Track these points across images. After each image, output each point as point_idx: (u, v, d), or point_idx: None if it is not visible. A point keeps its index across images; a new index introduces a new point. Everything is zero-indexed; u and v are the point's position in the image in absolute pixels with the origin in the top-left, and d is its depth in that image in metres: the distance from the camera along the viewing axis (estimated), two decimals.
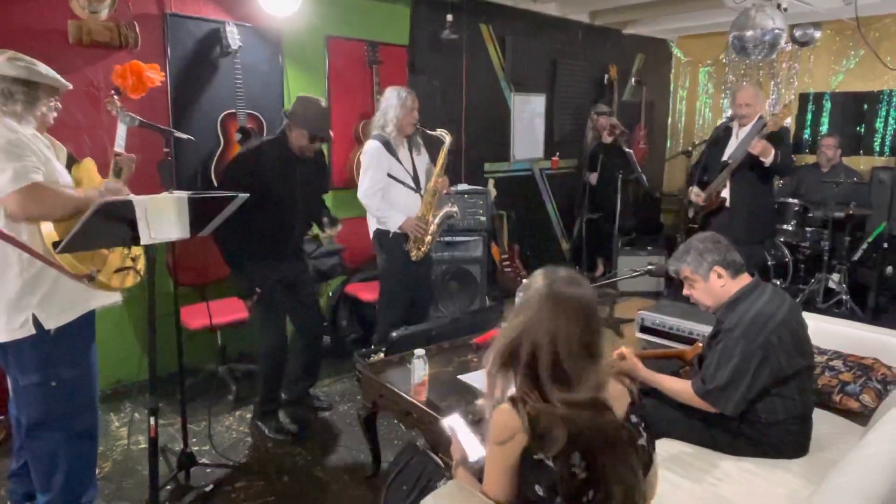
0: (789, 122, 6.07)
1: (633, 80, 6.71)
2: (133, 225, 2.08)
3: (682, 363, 2.57)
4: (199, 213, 2.29)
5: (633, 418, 1.46)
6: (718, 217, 4.06)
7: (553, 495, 1.35)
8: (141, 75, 3.31)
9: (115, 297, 2.33)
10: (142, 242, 2.12)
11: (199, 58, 3.77)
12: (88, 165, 2.35)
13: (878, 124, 5.95)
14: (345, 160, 4.45)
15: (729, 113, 4.15)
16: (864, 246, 5.27)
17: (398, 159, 3.42)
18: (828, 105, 6.22)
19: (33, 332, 2.07)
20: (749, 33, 4.23)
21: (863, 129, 6.05)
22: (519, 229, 5.69)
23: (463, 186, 4.78)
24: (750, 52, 4.31)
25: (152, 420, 2.33)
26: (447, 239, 4.44)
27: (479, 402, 2.27)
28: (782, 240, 5.20)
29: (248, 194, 2.44)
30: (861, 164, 5.96)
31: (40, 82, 2.10)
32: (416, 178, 3.50)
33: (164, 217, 2.15)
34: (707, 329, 2.56)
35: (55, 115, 2.23)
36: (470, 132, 5.31)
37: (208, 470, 2.84)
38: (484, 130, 5.45)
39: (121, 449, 3.02)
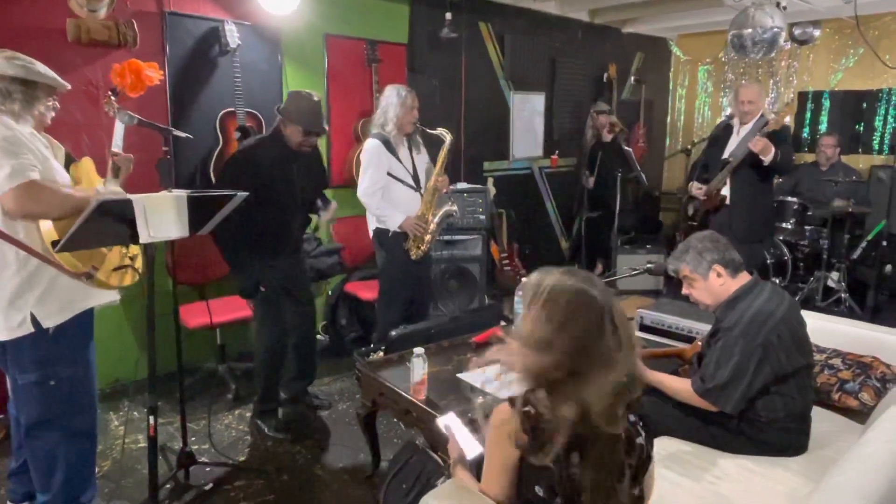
0: (788, 120, 6.07)
1: (632, 78, 6.70)
2: (132, 224, 2.08)
3: (681, 362, 2.58)
4: (199, 211, 2.29)
5: (631, 417, 1.46)
6: (718, 215, 4.06)
7: (553, 496, 1.35)
8: (140, 74, 3.31)
9: (114, 296, 2.33)
10: (141, 241, 2.12)
11: (198, 56, 3.77)
12: (87, 165, 2.35)
13: (878, 123, 5.95)
14: (344, 159, 4.45)
15: (728, 111, 4.14)
16: (863, 244, 5.28)
17: (398, 158, 3.41)
18: (827, 103, 6.22)
19: (32, 330, 2.07)
20: (748, 32, 4.23)
21: (862, 128, 6.05)
22: (518, 228, 5.69)
23: (462, 185, 4.77)
24: (749, 50, 4.31)
25: (151, 419, 2.33)
26: (446, 238, 4.44)
27: (479, 400, 2.28)
28: (781, 238, 5.20)
29: (247, 193, 2.44)
30: (860, 162, 5.96)
31: (38, 81, 2.10)
32: (415, 177, 3.50)
33: (163, 216, 2.15)
34: (706, 327, 2.56)
35: (53, 114, 2.23)
36: (469, 131, 5.31)
37: (208, 469, 2.84)
38: (483, 129, 5.45)
39: (120, 448, 3.02)
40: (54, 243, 2.00)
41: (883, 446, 1.72)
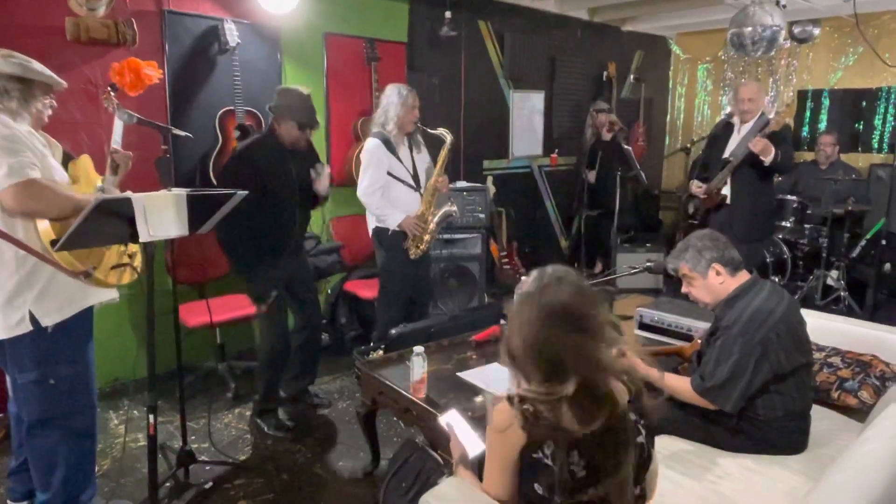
0: (789, 120, 6.07)
1: (631, 77, 6.70)
2: (131, 222, 2.08)
3: (680, 360, 2.58)
4: (198, 210, 2.29)
5: (632, 415, 1.46)
6: (718, 214, 4.06)
7: (552, 494, 1.35)
8: (139, 72, 3.31)
9: (113, 294, 2.33)
10: (140, 240, 2.11)
11: (197, 55, 3.76)
12: (85, 162, 2.35)
13: (877, 121, 5.95)
14: (343, 157, 4.45)
15: (728, 110, 4.13)
16: (863, 243, 5.28)
17: (398, 157, 3.41)
18: (826, 102, 6.21)
19: (30, 328, 2.07)
20: (748, 30, 4.23)
21: (861, 126, 6.04)
22: (518, 226, 5.69)
23: (462, 184, 4.77)
24: (749, 49, 4.31)
25: (151, 417, 2.33)
26: (446, 236, 4.44)
27: (478, 399, 2.28)
28: (781, 237, 5.20)
29: (247, 191, 2.44)
30: (859, 160, 5.96)
31: (35, 79, 2.10)
32: (415, 177, 3.50)
33: (162, 214, 2.15)
34: (705, 326, 2.57)
35: (50, 112, 2.23)
36: (469, 129, 5.31)
37: (207, 467, 2.84)
38: (483, 127, 5.44)
39: (120, 447, 3.02)
40: (53, 242, 2.00)
41: (882, 444, 1.72)
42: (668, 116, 7.51)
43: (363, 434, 2.78)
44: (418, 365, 2.33)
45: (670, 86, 7.44)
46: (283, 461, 2.96)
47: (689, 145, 6.12)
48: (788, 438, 2.18)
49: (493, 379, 2.45)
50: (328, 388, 3.72)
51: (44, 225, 2.04)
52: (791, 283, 5.17)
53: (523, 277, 1.50)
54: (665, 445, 2.19)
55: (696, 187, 4.13)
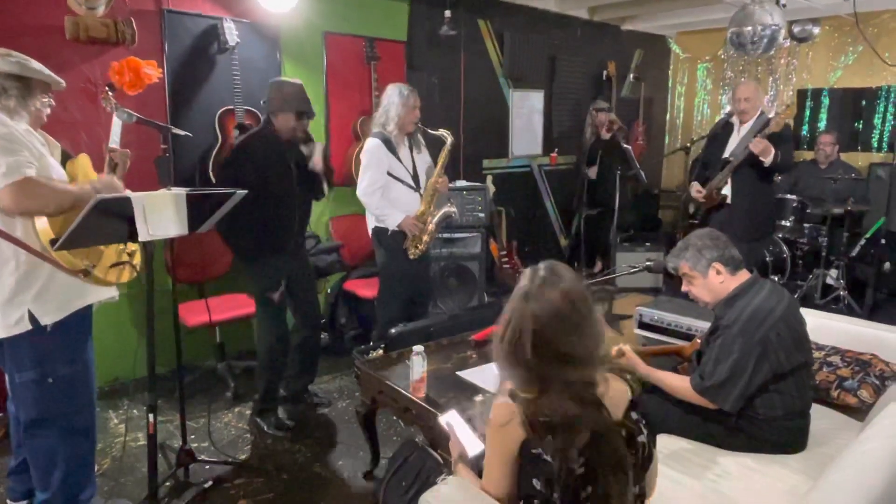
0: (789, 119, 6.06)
1: (631, 76, 6.70)
2: (131, 222, 2.07)
3: (680, 359, 2.58)
4: (198, 209, 2.28)
5: (634, 415, 1.46)
6: (719, 213, 4.06)
7: (551, 490, 1.35)
8: (138, 72, 3.31)
9: (112, 293, 2.33)
10: (140, 239, 2.11)
11: (197, 54, 3.76)
12: (83, 161, 2.34)
13: (877, 120, 5.95)
14: (343, 157, 4.44)
15: (728, 109, 4.14)
16: (862, 242, 5.28)
17: (398, 158, 3.41)
18: (826, 101, 6.22)
19: (29, 327, 2.07)
20: (748, 29, 4.23)
21: (861, 126, 6.05)
22: (517, 226, 5.69)
23: (461, 183, 4.77)
24: (748, 48, 4.31)
25: (151, 417, 2.33)
26: (446, 235, 4.44)
27: (478, 398, 2.28)
28: (780, 236, 5.20)
29: (247, 190, 2.44)
30: (859, 160, 5.96)
31: (34, 78, 2.10)
32: (415, 177, 3.49)
33: (162, 214, 2.15)
34: (705, 325, 2.56)
35: (49, 111, 2.23)
36: (468, 128, 5.31)
37: (207, 467, 2.84)
38: (482, 127, 5.44)
39: (119, 446, 3.02)
40: (53, 241, 2.00)
41: (882, 443, 1.72)
42: (668, 115, 7.51)
43: (363, 433, 2.78)
44: (418, 364, 2.33)
45: (670, 85, 7.44)
46: (283, 460, 2.96)
47: (688, 144, 6.11)
48: (788, 437, 2.18)
49: (493, 378, 2.45)
50: (328, 388, 3.72)
51: (42, 224, 2.04)
52: (791, 282, 5.18)
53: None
54: (665, 444, 2.19)
55: (696, 191, 4.13)
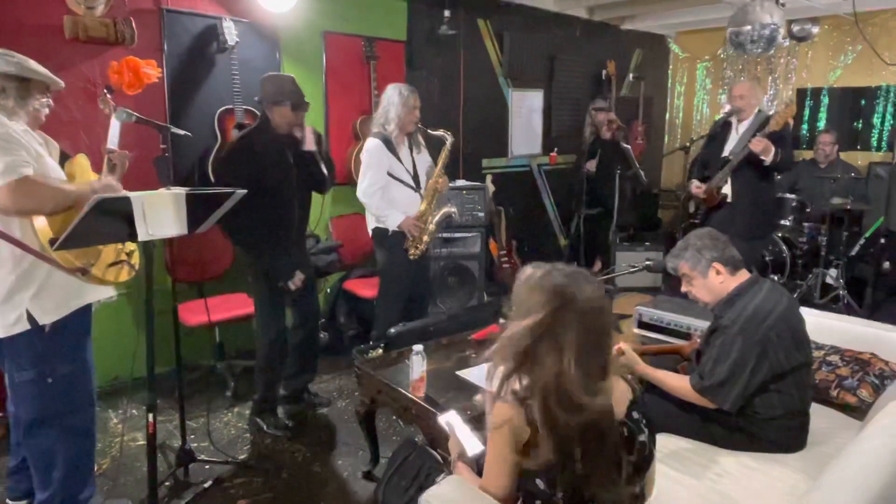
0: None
1: (630, 75, 6.70)
2: (130, 221, 2.07)
3: (679, 359, 2.58)
4: (197, 209, 2.28)
5: (635, 414, 1.46)
6: (720, 212, 4.06)
7: (554, 489, 1.35)
8: (138, 71, 3.31)
9: (110, 292, 2.33)
10: (139, 239, 2.11)
11: (196, 54, 3.76)
12: (81, 161, 2.34)
13: (876, 120, 5.95)
14: (343, 157, 4.44)
15: (727, 108, 4.16)
16: (862, 241, 5.28)
17: (398, 158, 3.41)
18: (825, 100, 6.22)
19: (28, 327, 2.07)
20: (747, 29, 4.23)
21: (860, 125, 6.05)
22: (517, 225, 5.69)
23: (461, 182, 4.77)
24: (748, 47, 4.31)
25: (150, 416, 2.33)
26: (445, 235, 4.43)
27: (478, 397, 2.28)
28: (780, 235, 5.21)
29: (246, 190, 2.44)
30: (858, 159, 5.96)
31: (32, 78, 2.10)
32: (416, 177, 3.49)
33: (161, 213, 2.15)
34: (705, 324, 2.57)
35: (47, 111, 2.23)
36: (468, 128, 5.31)
37: (207, 466, 2.84)
38: (482, 126, 5.44)
39: (119, 446, 3.02)
40: (52, 241, 2.00)
41: (881, 442, 1.72)
42: (668, 115, 7.51)
43: (362, 433, 2.78)
44: (418, 363, 2.33)
45: (669, 84, 7.44)
46: (283, 460, 2.96)
47: (688, 144, 6.11)
48: (788, 437, 2.18)
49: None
50: (327, 387, 3.72)
51: (41, 223, 2.04)
52: (790, 281, 5.18)
53: (527, 269, 1.49)
54: (664, 444, 2.19)
55: (696, 188, 4.13)
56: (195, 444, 2.96)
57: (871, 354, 2.61)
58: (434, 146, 3.55)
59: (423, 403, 2.30)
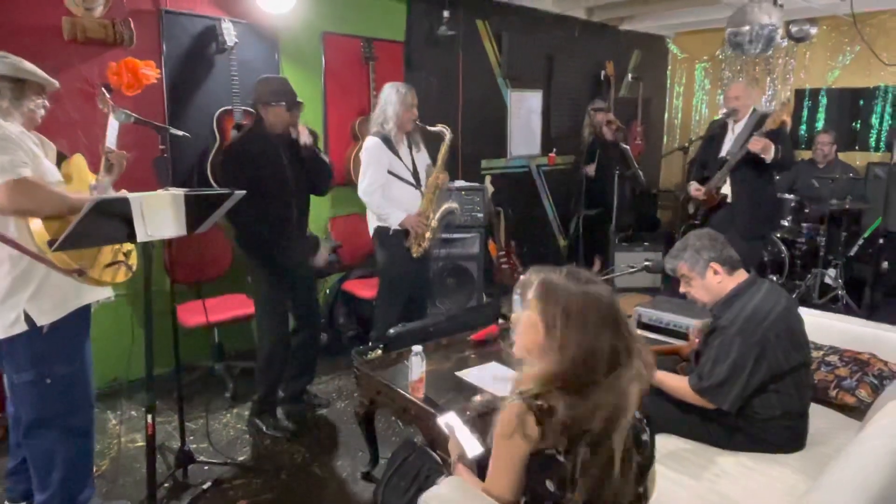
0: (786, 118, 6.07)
1: (629, 76, 6.70)
2: (129, 222, 2.07)
3: (678, 359, 2.58)
4: (196, 210, 2.28)
5: (637, 414, 1.46)
6: (720, 212, 4.06)
7: (564, 491, 1.34)
8: (136, 72, 3.31)
9: (108, 293, 2.33)
10: (138, 240, 2.11)
11: (195, 55, 3.76)
12: (78, 161, 2.34)
13: (874, 120, 5.96)
14: (342, 157, 4.44)
15: (724, 110, 4.17)
16: (860, 241, 5.29)
17: (398, 156, 3.41)
18: (824, 101, 6.23)
19: (25, 328, 2.07)
20: (745, 29, 4.24)
21: (858, 125, 6.06)
22: (516, 226, 5.69)
23: (460, 183, 4.77)
24: (746, 48, 4.31)
25: (149, 418, 2.32)
26: (444, 236, 4.43)
27: (477, 398, 2.28)
28: (779, 235, 5.21)
29: (245, 191, 2.44)
30: (857, 159, 5.97)
31: (27, 79, 2.10)
32: (415, 175, 3.50)
33: (160, 214, 2.15)
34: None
35: (43, 112, 2.23)
36: (466, 129, 5.31)
37: (206, 468, 2.83)
38: (480, 127, 5.44)
39: (117, 447, 3.02)
40: (50, 243, 2.00)
41: (880, 442, 1.72)
42: (666, 115, 7.51)
43: (362, 434, 2.78)
44: (417, 364, 2.33)
45: (668, 85, 7.45)
46: (282, 461, 2.96)
47: (686, 144, 6.11)
48: (787, 437, 2.18)
49: (492, 378, 2.45)
50: (326, 388, 3.72)
51: (37, 225, 2.04)
52: (789, 281, 5.18)
53: (521, 277, 1.50)
54: (663, 444, 2.19)
55: (695, 190, 4.14)
56: (194, 446, 2.95)
57: (870, 355, 2.61)
58: (433, 143, 3.55)
59: (422, 404, 2.30)
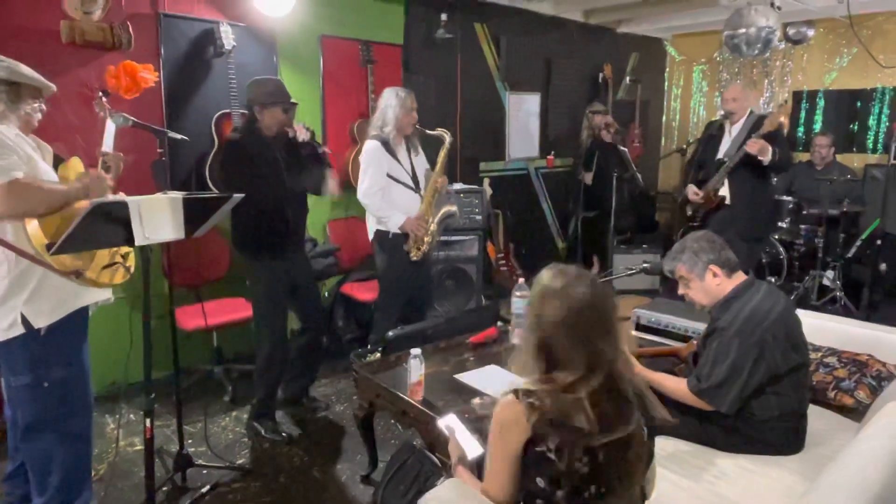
0: (783, 119, 6.08)
1: (627, 78, 6.71)
2: (127, 225, 2.07)
3: (676, 361, 2.58)
4: (194, 213, 2.28)
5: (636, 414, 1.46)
6: (718, 214, 4.07)
7: (555, 488, 1.35)
8: (135, 76, 3.31)
9: (106, 294, 2.32)
10: (136, 243, 2.11)
11: (193, 58, 3.76)
12: (75, 164, 2.34)
13: (871, 122, 5.98)
14: (341, 160, 4.44)
15: (721, 113, 4.19)
16: (858, 243, 5.30)
17: (397, 159, 3.41)
18: (821, 103, 6.24)
19: (23, 331, 2.06)
20: (743, 32, 4.25)
21: (856, 127, 6.07)
22: (514, 228, 5.69)
23: (458, 185, 4.77)
24: (743, 50, 4.33)
25: (148, 421, 2.32)
26: (443, 238, 4.43)
27: (475, 401, 2.28)
28: (777, 237, 5.22)
29: (243, 194, 2.43)
30: (854, 161, 5.98)
31: (23, 83, 2.10)
32: (414, 178, 3.50)
33: (158, 218, 2.15)
34: (702, 327, 2.57)
35: (40, 116, 2.23)
36: (465, 132, 5.31)
37: (205, 471, 2.83)
38: (479, 130, 5.45)
39: (116, 451, 3.01)
40: (48, 246, 2.00)
41: (879, 444, 1.72)
42: (664, 118, 7.53)
43: (361, 437, 2.78)
44: (416, 367, 2.33)
45: (666, 87, 7.46)
46: (281, 464, 2.96)
47: (684, 146, 6.13)
48: (785, 438, 2.18)
49: (491, 381, 2.45)
50: (325, 391, 3.71)
51: (34, 228, 2.03)
52: (787, 283, 5.19)
53: (519, 279, 1.52)
54: (662, 446, 2.19)
55: (693, 194, 4.14)
56: (193, 449, 2.95)
57: (869, 356, 2.61)
58: (432, 147, 3.55)
59: (421, 407, 2.29)
